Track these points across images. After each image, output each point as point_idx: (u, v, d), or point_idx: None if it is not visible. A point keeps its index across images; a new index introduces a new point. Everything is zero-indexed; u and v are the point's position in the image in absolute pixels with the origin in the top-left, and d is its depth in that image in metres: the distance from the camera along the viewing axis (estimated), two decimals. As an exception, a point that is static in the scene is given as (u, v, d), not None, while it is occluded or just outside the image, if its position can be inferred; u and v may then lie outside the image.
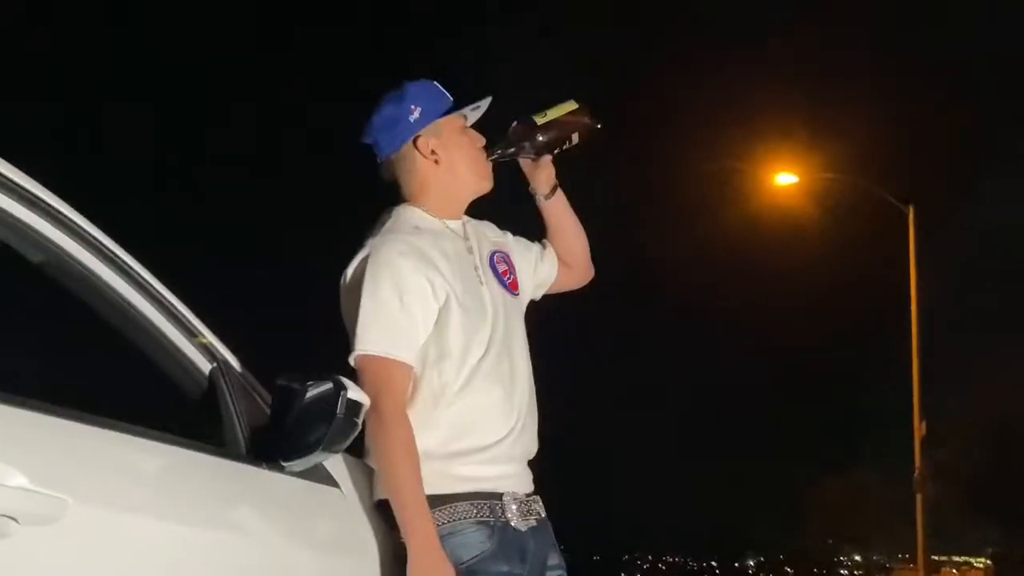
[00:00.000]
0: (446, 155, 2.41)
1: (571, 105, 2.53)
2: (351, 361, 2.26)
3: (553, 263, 2.62)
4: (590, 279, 2.74)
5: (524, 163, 2.56)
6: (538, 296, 2.63)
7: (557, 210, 2.61)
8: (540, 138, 2.50)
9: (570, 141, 2.54)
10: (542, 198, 2.59)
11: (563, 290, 2.70)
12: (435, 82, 2.46)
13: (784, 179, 17.05)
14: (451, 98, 2.44)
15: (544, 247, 2.63)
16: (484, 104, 2.46)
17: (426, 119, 2.40)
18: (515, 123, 2.51)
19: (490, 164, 2.47)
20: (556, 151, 2.55)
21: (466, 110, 2.45)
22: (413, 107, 2.40)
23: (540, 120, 2.50)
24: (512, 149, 2.51)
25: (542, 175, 2.57)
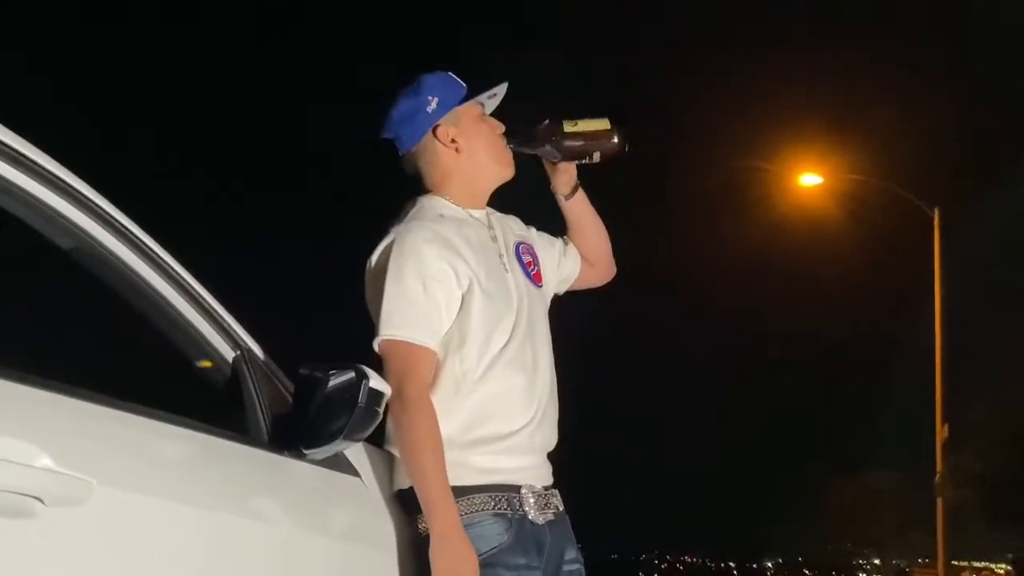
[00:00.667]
0: (466, 143, 2.42)
1: (603, 123, 2.50)
2: (375, 346, 2.27)
3: (576, 259, 2.63)
4: (612, 276, 2.75)
5: (546, 162, 2.57)
6: (561, 291, 2.63)
7: (578, 210, 2.62)
8: (564, 143, 2.49)
9: (591, 157, 2.52)
10: (563, 198, 2.60)
11: (585, 287, 2.70)
12: (450, 72, 2.47)
13: (809, 180, 16.99)
14: (465, 87, 2.45)
15: (567, 243, 2.64)
16: (501, 91, 2.47)
17: (444, 108, 2.41)
18: (545, 121, 2.51)
19: (511, 152, 2.48)
20: (575, 162, 2.54)
21: (483, 97, 2.46)
22: (430, 98, 2.41)
23: (569, 127, 2.49)
24: (532, 144, 2.51)
25: (563, 176, 2.58)
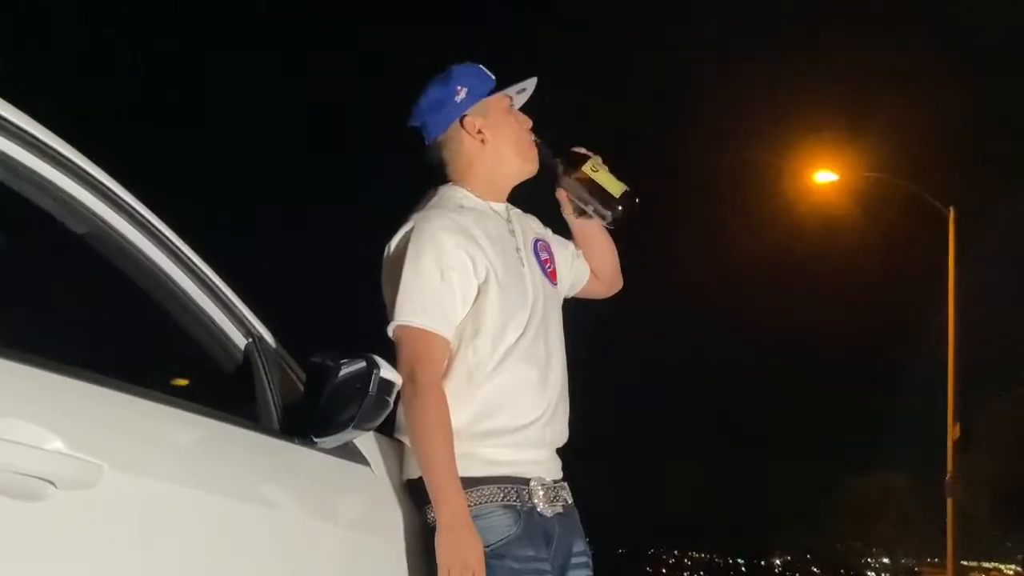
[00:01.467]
0: (492, 135, 2.43)
1: (618, 187, 2.47)
2: (389, 332, 2.27)
3: (587, 265, 2.63)
4: (618, 289, 2.74)
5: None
6: (571, 294, 2.63)
7: (584, 226, 2.61)
8: (572, 180, 2.48)
9: (585, 205, 2.51)
10: (570, 217, 2.60)
11: (591, 297, 2.70)
12: (480, 65, 2.47)
13: (823, 177, 16.93)
14: (494, 79, 2.44)
15: (579, 247, 2.63)
16: (530, 86, 2.47)
17: (472, 99, 2.41)
18: (578, 150, 2.50)
19: (535, 147, 2.48)
20: (569, 199, 2.53)
21: (512, 90, 2.46)
22: (459, 88, 2.41)
23: (588, 170, 2.47)
24: (549, 162, 2.50)
25: (567, 203, 2.57)
